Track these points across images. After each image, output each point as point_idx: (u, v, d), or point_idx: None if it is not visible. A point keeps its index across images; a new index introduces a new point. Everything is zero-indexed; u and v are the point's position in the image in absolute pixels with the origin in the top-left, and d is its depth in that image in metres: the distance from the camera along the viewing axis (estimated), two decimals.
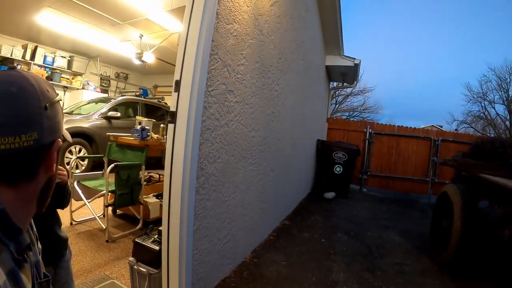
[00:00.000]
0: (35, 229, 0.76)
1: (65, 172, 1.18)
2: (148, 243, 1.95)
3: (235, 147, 2.26)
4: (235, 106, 2.22)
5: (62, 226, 1.34)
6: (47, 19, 5.57)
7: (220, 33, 1.88)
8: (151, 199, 3.28)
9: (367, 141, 7.36)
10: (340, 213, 4.88)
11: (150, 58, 6.24)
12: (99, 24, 5.83)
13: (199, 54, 1.72)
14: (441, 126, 22.12)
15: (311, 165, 6.10)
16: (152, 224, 2.15)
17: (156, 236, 1.99)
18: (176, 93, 1.78)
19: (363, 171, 7.34)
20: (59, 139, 0.62)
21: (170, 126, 1.77)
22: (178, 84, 1.77)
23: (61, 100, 0.67)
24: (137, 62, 6.37)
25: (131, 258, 2.00)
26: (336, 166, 6.20)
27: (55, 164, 0.63)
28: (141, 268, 1.96)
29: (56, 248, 1.30)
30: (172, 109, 1.78)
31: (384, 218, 4.86)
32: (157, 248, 1.92)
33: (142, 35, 6.16)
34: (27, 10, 5.38)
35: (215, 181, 2.03)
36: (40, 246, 0.77)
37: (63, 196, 1.22)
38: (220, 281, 2.29)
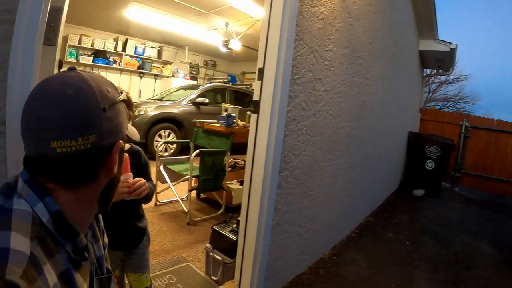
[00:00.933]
0: (102, 224, 0.76)
1: (145, 186, 1.18)
2: (226, 232, 1.96)
3: (322, 139, 2.10)
4: (323, 95, 2.05)
5: (147, 206, 1.37)
6: (134, 13, 5.97)
7: (304, 16, 1.72)
8: (234, 185, 3.34)
9: (462, 135, 6.29)
10: (428, 213, 4.37)
11: (236, 46, 6.31)
12: (185, 14, 6.05)
13: (282, 40, 1.60)
14: None
15: (400, 159, 5.53)
16: (234, 211, 2.16)
17: (234, 226, 1.99)
18: (260, 82, 1.70)
19: (456, 168, 6.32)
20: (121, 141, 0.59)
21: (253, 116, 1.70)
22: (261, 72, 1.69)
23: (125, 99, 0.62)
24: (224, 50, 6.48)
25: (208, 245, 2.04)
26: (428, 161, 5.51)
27: (116, 166, 0.60)
28: (216, 256, 1.98)
29: (131, 237, 1.35)
30: (255, 98, 1.71)
31: (474, 223, 4.18)
32: (234, 238, 1.91)
33: (228, 23, 6.22)
34: (116, 6, 5.83)
35: (300, 174, 1.92)
36: (106, 240, 0.77)
37: (144, 199, 1.26)
38: (295, 277, 2.20)
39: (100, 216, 0.75)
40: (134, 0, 5.57)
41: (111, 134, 0.55)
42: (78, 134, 0.50)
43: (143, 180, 1.17)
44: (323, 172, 2.19)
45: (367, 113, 2.93)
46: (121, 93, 0.62)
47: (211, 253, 2.00)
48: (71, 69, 0.56)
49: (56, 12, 0.96)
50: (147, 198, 1.27)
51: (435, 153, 5.51)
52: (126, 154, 1.08)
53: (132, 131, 0.71)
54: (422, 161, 5.59)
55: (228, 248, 1.92)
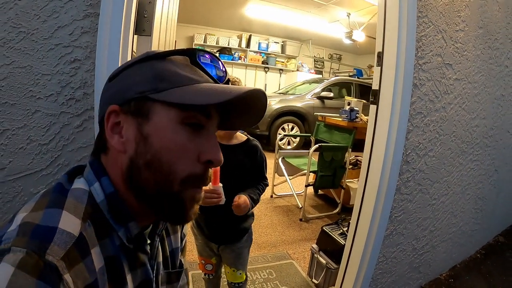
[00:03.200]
0: None
1: (246, 206, 1.13)
2: (335, 235, 1.81)
3: (453, 138, 1.74)
4: (455, 84, 1.70)
5: (262, 198, 1.31)
6: (253, 11, 6.27)
7: None
8: (354, 184, 3.11)
9: None
10: None
11: (360, 37, 6.08)
12: (304, 7, 6.08)
13: (402, 16, 1.37)
14: None
15: None
16: (351, 212, 1.99)
17: (346, 229, 1.81)
18: (379, 68, 1.49)
19: None
20: (113, 105, 0.48)
21: (372, 107, 1.49)
22: (380, 56, 1.48)
23: (149, 57, 0.49)
24: (347, 41, 6.36)
25: (315, 245, 1.92)
26: None
27: (115, 139, 0.49)
28: (321, 259, 1.86)
29: (227, 234, 1.31)
30: (374, 87, 1.51)
31: None
32: (343, 242, 1.74)
33: (350, 14, 6.02)
34: (235, 5, 6.18)
35: (423, 179, 1.62)
36: (185, 233, 0.72)
37: None
38: None
39: None
40: None
41: (107, 102, 0.50)
42: (102, 106, 0.52)
43: (243, 199, 1.13)
44: (450, 178, 1.83)
45: (507, 109, 2.38)
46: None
47: (316, 255, 1.88)
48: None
49: (149, 4, 1.02)
50: (253, 207, 1.21)
51: None
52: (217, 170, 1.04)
53: (197, 92, 0.46)
54: None
55: (335, 252, 1.77)
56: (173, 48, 0.87)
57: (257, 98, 0.51)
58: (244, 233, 1.32)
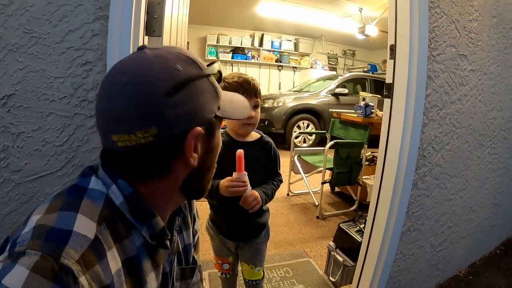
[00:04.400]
0: (194, 211, 0.71)
1: (256, 202, 1.11)
2: (352, 232, 1.79)
3: (470, 131, 1.70)
4: (470, 76, 1.65)
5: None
6: (265, 9, 6.28)
7: None
8: (370, 181, 3.06)
9: None
10: None
11: (373, 31, 6.04)
12: (315, 4, 6.08)
13: (414, 7, 1.34)
14: None
15: None
16: (366, 209, 1.97)
17: (362, 226, 1.79)
18: (392, 61, 1.47)
19: None
20: (199, 128, 0.48)
21: (386, 101, 1.47)
22: (393, 49, 1.46)
23: (207, 74, 0.51)
24: (360, 37, 6.32)
25: (332, 243, 1.90)
26: None
27: (197, 154, 0.51)
28: (338, 256, 1.84)
29: (246, 231, 1.30)
30: (388, 80, 1.49)
31: None
32: (360, 239, 1.72)
33: (362, 8, 5.99)
34: (247, 4, 6.20)
35: (440, 173, 1.58)
36: (198, 227, 0.73)
37: None
38: None
39: (193, 202, 0.71)
40: None
41: (181, 121, 0.46)
42: (136, 127, 0.44)
43: (256, 195, 1.11)
44: (468, 172, 1.78)
45: None
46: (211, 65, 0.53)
47: (333, 252, 1.86)
48: (140, 48, 0.49)
49: (158, 5, 1.03)
50: (267, 202, 1.20)
51: None
52: (240, 151, 1.02)
53: (235, 108, 0.59)
54: None
55: (352, 249, 1.75)
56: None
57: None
58: (262, 228, 1.32)
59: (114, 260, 0.44)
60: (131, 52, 0.91)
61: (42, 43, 0.90)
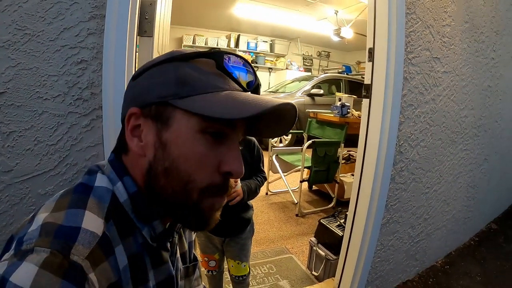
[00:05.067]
0: None
1: (237, 194, 1.17)
2: (333, 227, 1.85)
3: (443, 128, 1.80)
4: (443, 77, 1.76)
5: (257, 195, 1.35)
6: (242, 10, 6.26)
7: None
8: (347, 179, 3.17)
9: None
10: None
11: (348, 34, 6.13)
12: (292, 6, 6.10)
13: (391, 13, 1.43)
14: None
15: None
16: (345, 205, 2.04)
17: (342, 221, 1.86)
18: (370, 63, 1.54)
19: None
20: (134, 107, 0.47)
21: (365, 101, 1.54)
22: (371, 52, 1.53)
23: (172, 58, 0.46)
24: (335, 38, 6.38)
25: (313, 238, 1.96)
26: None
27: (135, 142, 0.48)
28: (319, 251, 1.90)
29: (233, 226, 1.34)
30: (367, 81, 1.56)
31: None
32: (340, 234, 1.79)
33: (337, 11, 6.06)
34: (223, 5, 6.16)
35: (416, 168, 1.68)
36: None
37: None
38: (401, 283, 1.98)
39: None
40: None
41: (129, 102, 0.49)
42: (125, 106, 0.50)
43: (238, 188, 1.16)
44: (442, 167, 1.89)
45: (494, 100, 2.46)
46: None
47: (315, 247, 1.92)
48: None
49: (150, 6, 1.05)
50: (250, 196, 1.25)
51: None
52: None
53: (210, 104, 0.43)
54: None
55: (333, 244, 1.81)
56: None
57: (286, 110, 0.49)
58: (248, 223, 1.36)
59: (121, 257, 0.44)
60: (127, 52, 0.93)
61: (36, 40, 0.90)
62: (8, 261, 0.35)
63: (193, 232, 0.71)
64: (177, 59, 0.46)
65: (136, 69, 0.52)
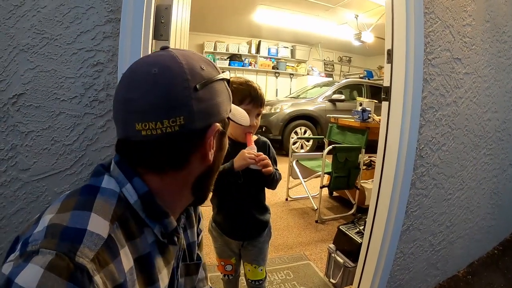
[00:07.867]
0: (199, 211, 0.73)
1: (269, 161, 1.16)
2: (352, 234, 1.80)
3: (465, 132, 1.74)
4: (465, 78, 1.70)
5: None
6: (262, 16, 6.31)
7: None
8: (368, 185, 3.10)
9: None
10: None
11: (369, 38, 6.09)
12: (312, 11, 6.10)
13: (409, 13, 1.39)
14: None
15: None
16: (366, 212, 1.99)
17: (362, 227, 1.81)
18: (389, 65, 1.51)
19: None
20: (217, 124, 0.52)
21: (384, 104, 1.51)
22: (390, 54, 1.50)
23: (225, 78, 0.57)
24: (356, 43, 6.34)
25: (332, 245, 1.92)
26: None
27: (212, 152, 0.54)
28: (338, 258, 1.85)
29: (250, 229, 1.32)
30: (385, 84, 1.53)
31: None
32: (359, 240, 1.74)
33: (358, 15, 6.05)
34: (243, 11, 6.24)
35: (438, 174, 1.62)
36: (201, 226, 0.75)
37: (270, 182, 1.24)
38: None
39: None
40: (260, 3, 5.87)
41: (204, 116, 0.49)
42: (164, 116, 0.46)
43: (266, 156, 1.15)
44: (465, 173, 1.82)
45: None
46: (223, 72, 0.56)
47: (333, 254, 1.87)
48: (163, 48, 0.52)
49: (165, 10, 1.06)
50: (273, 182, 1.23)
51: None
52: (249, 132, 1.14)
53: (240, 115, 0.65)
54: None
55: (352, 251, 1.77)
56: None
57: None
58: (265, 226, 1.34)
59: (126, 259, 0.45)
60: (141, 55, 0.93)
61: (54, 43, 0.92)
62: (14, 262, 0.36)
63: (197, 233, 0.72)
64: (222, 77, 0.56)
65: (192, 74, 0.50)
